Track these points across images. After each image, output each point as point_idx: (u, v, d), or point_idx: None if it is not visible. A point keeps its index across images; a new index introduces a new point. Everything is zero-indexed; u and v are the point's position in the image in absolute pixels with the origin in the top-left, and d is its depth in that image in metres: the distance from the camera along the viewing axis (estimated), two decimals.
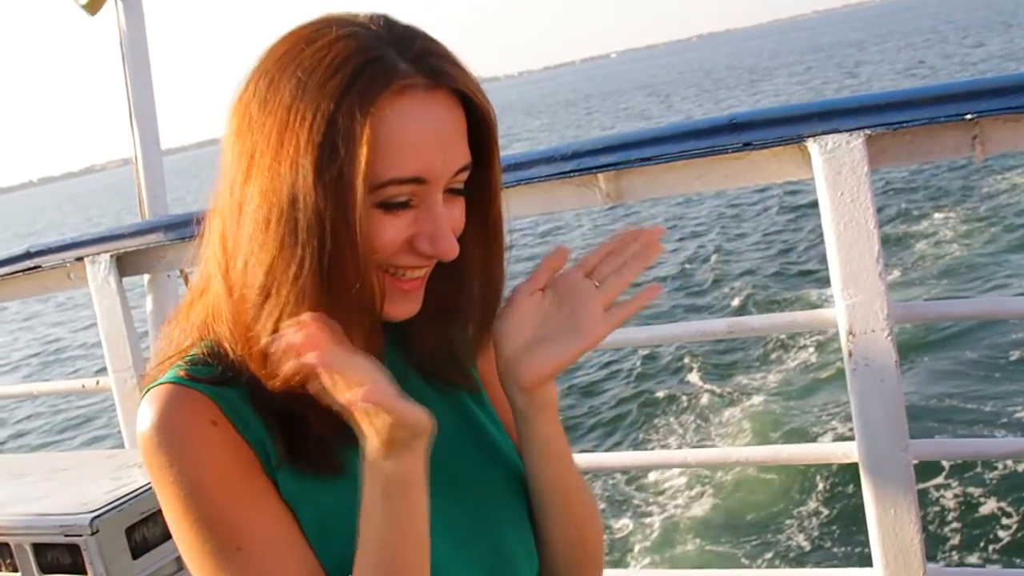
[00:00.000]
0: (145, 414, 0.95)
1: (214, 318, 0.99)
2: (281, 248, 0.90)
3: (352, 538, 0.94)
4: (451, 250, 0.96)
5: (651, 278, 12.79)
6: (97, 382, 2.71)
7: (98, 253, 2.56)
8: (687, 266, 13.13)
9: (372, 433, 0.88)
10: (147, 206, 2.85)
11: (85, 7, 2.93)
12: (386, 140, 0.90)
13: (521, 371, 1.04)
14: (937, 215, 12.85)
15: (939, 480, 5.65)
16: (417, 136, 0.92)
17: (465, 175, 0.98)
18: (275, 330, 0.91)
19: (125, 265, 2.60)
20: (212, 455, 0.94)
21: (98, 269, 2.56)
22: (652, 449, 6.95)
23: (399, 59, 0.91)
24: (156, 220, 2.66)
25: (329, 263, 0.90)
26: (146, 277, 2.69)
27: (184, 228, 2.46)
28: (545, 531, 1.13)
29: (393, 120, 0.90)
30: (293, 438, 0.97)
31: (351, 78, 0.89)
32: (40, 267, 2.68)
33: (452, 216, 0.98)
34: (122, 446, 2.72)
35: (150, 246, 2.51)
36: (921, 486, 5.22)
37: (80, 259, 2.59)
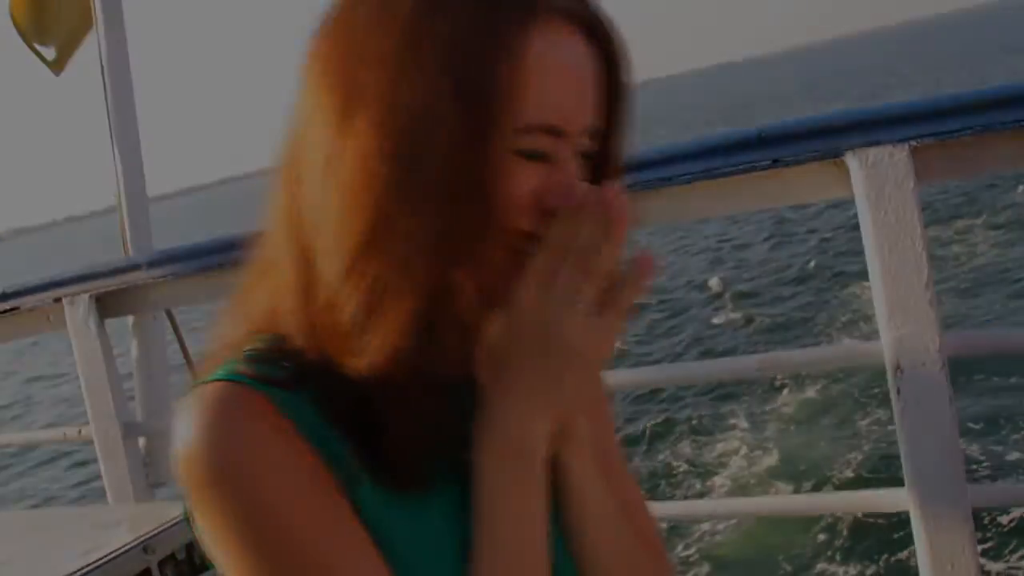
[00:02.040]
0: (192, 418, 0.74)
1: (278, 304, 0.80)
2: (396, 187, 0.72)
3: (442, 564, 0.79)
4: None
5: (665, 313, 12.47)
6: (79, 431, 2.54)
7: (76, 293, 2.39)
8: (709, 294, 12.79)
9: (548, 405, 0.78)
10: (130, 241, 2.70)
11: (51, 64, 2.89)
12: (541, 71, 0.74)
13: None
14: (962, 223, 12.52)
15: (1001, 530, 5.20)
16: (565, 75, 0.76)
17: (591, 146, 0.81)
18: (369, 293, 0.73)
19: (106, 306, 2.42)
20: (285, 470, 0.74)
21: (76, 311, 2.39)
22: (676, 499, 6.42)
23: None
24: (138, 256, 2.50)
25: (457, 214, 0.72)
26: (130, 319, 2.53)
27: (170, 264, 2.28)
28: None
29: (546, 49, 0.75)
30: (373, 449, 0.78)
31: None
32: (18, 309, 2.52)
33: None
34: (104, 499, 2.54)
35: (132, 285, 2.34)
36: (981, 537, 4.82)
37: (58, 300, 2.43)
